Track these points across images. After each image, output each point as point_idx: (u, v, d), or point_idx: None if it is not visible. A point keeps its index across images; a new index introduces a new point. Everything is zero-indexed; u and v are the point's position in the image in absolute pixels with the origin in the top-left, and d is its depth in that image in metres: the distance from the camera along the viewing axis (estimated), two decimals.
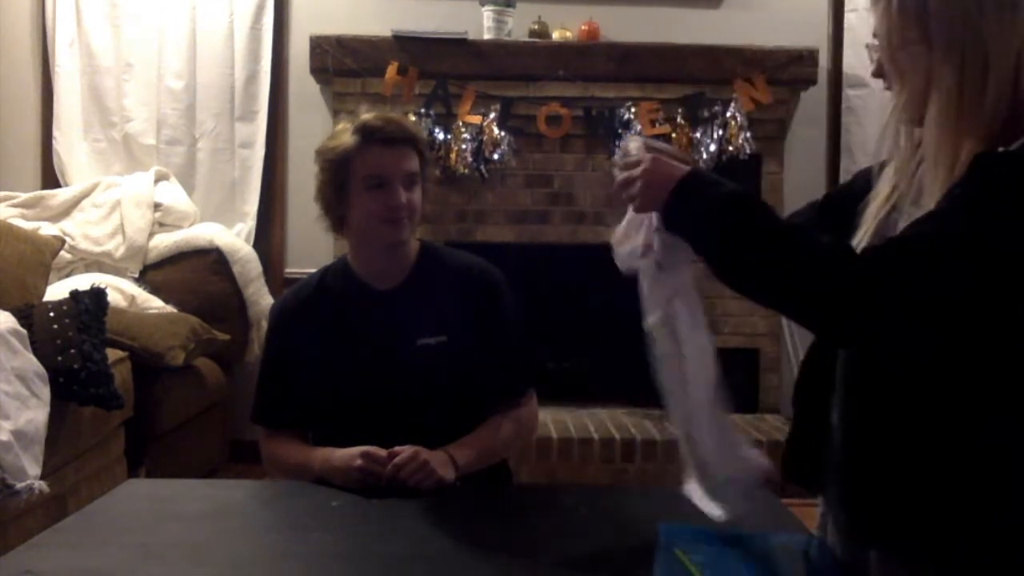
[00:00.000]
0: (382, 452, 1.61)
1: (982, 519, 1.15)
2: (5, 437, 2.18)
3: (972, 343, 1.14)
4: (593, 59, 3.81)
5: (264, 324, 3.78)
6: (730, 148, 3.73)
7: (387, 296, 1.82)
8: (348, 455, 1.62)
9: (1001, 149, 1.13)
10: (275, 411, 1.84)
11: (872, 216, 1.28)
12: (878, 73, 1.28)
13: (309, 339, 1.81)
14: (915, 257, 1.11)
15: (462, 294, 1.83)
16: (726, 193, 1.22)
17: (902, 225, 1.19)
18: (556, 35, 3.89)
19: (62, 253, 3.36)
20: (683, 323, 1.33)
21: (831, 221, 1.35)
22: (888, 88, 1.28)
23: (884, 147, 1.31)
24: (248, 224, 3.91)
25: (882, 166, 1.33)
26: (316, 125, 3.93)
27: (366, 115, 1.79)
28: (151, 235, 3.71)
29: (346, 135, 1.76)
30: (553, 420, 3.68)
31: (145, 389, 3.01)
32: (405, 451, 1.61)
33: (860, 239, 1.28)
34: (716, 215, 1.21)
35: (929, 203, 1.16)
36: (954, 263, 1.10)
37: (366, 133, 1.75)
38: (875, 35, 1.27)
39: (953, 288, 1.10)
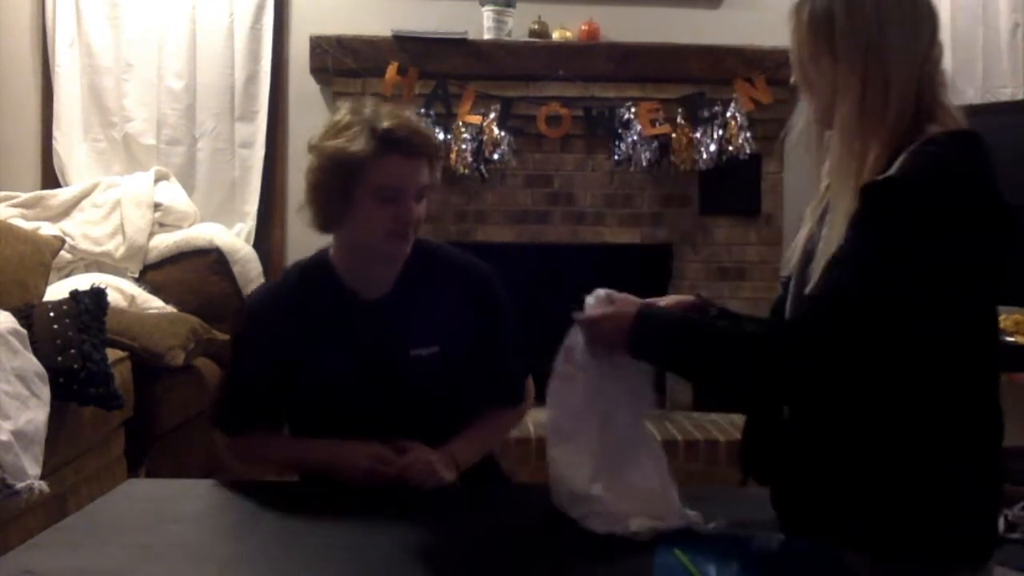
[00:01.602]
0: (390, 453, 1.60)
1: (909, 506, 1.25)
2: (5, 437, 2.18)
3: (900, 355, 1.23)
4: (593, 59, 3.81)
5: None
6: (730, 148, 3.73)
7: (376, 305, 1.71)
8: (356, 453, 1.60)
9: (880, 177, 1.23)
10: (243, 419, 1.75)
11: (802, 239, 1.41)
12: (797, 81, 1.39)
13: (288, 346, 1.68)
14: (829, 317, 1.22)
15: (454, 299, 1.73)
16: (667, 330, 1.35)
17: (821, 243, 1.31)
18: (556, 35, 3.89)
19: (62, 253, 3.36)
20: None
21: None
22: (800, 98, 1.41)
23: (797, 152, 1.44)
24: (248, 224, 3.91)
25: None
26: (316, 125, 3.88)
27: (382, 114, 1.62)
28: (151, 235, 3.71)
29: (360, 138, 1.59)
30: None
31: (145, 389, 3.01)
32: (412, 452, 1.59)
33: (790, 260, 1.42)
34: (661, 350, 1.35)
35: (839, 206, 1.28)
36: (866, 308, 1.20)
37: (387, 141, 1.59)
38: (790, 49, 1.39)
39: (873, 329, 1.20)
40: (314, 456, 1.68)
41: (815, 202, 1.42)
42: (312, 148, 1.66)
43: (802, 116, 1.42)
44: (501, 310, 1.79)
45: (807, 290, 1.30)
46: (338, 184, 1.61)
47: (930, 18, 1.33)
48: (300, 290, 1.74)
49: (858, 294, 1.20)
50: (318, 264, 1.75)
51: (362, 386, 1.68)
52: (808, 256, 1.36)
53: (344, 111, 1.67)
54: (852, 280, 1.21)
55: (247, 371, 1.74)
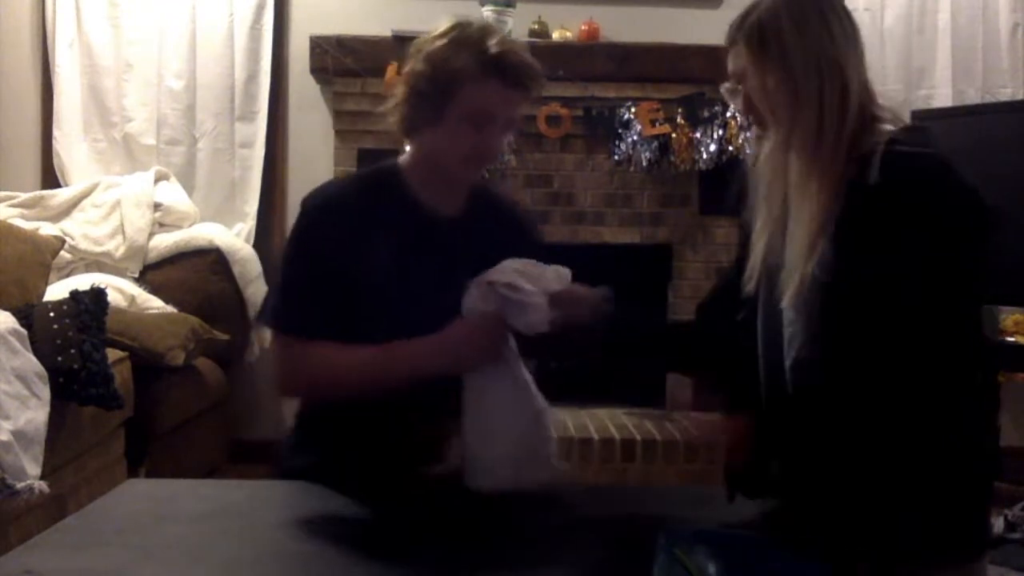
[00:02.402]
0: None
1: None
2: (5, 437, 2.18)
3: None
4: (593, 59, 3.81)
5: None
6: (730, 148, 3.73)
7: (447, 224, 1.65)
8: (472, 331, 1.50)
9: (871, 183, 1.24)
10: (309, 317, 1.57)
11: (759, 257, 1.42)
12: (747, 111, 1.41)
13: (351, 248, 1.57)
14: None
15: (512, 232, 1.72)
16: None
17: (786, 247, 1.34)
18: (556, 35, 3.89)
19: (62, 253, 3.36)
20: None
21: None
22: (756, 125, 1.42)
23: (764, 178, 1.44)
24: (248, 224, 3.91)
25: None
26: (316, 125, 3.93)
27: (494, 38, 1.56)
28: (151, 235, 3.71)
29: (466, 55, 1.54)
30: (553, 420, 3.67)
31: (145, 389, 3.01)
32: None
33: (750, 273, 1.43)
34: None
35: (801, 217, 1.31)
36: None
37: (491, 66, 1.53)
38: (732, 75, 1.40)
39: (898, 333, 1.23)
40: (402, 354, 1.52)
41: (760, 226, 1.43)
42: (417, 52, 1.61)
43: (767, 143, 1.41)
44: (543, 248, 1.74)
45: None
46: (433, 95, 1.56)
47: (856, 26, 1.38)
48: (367, 195, 1.65)
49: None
50: (387, 172, 1.68)
51: (421, 302, 1.56)
52: (771, 270, 1.38)
53: (457, 24, 1.61)
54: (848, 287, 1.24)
55: (311, 264, 1.60)
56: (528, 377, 1.53)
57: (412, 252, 1.60)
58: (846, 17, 1.36)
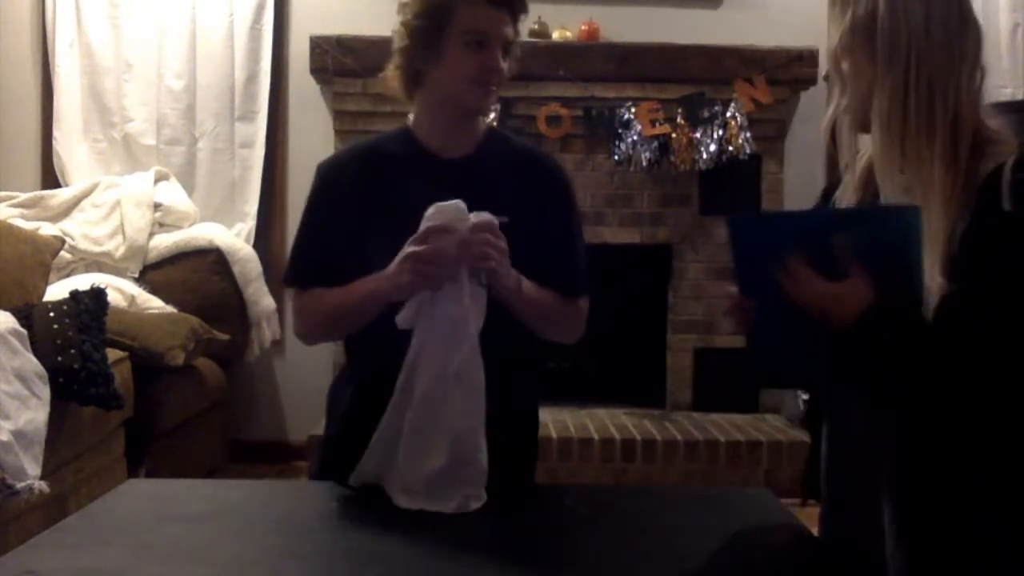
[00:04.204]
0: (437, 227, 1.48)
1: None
2: (5, 437, 2.18)
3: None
4: (593, 59, 3.81)
5: (264, 324, 3.80)
6: (730, 148, 3.73)
7: (455, 165, 1.70)
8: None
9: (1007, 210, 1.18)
10: (311, 270, 1.71)
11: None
12: (827, 76, 1.34)
13: (360, 200, 1.68)
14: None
15: (529, 178, 1.73)
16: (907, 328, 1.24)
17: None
18: (556, 35, 3.89)
19: (62, 253, 3.36)
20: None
21: None
22: (830, 91, 1.36)
23: (825, 142, 1.41)
24: (248, 224, 3.92)
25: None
26: (316, 125, 3.94)
27: None
28: (151, 235, 3.71)
29: None
30: (553, 420, 3.68)
31: (145, 389, 3.01)
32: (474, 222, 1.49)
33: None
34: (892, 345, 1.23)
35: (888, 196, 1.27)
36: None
37: None
38: (828, 38, 1.34)
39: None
40: (354, 290, 1.61)
41: (849, 186, 1.38)
42: (403, 5, 1.72)
43: (832, 106, 1.36)
44: (569, 203, 1.80)
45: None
46: (429, 30, 1.65)
47: (976, 36, 1.29)
48: (378, 150, 1.76)
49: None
50: (396, 131, 1.79)
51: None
52: None
53: None
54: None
55: (318, 222, 1.73)
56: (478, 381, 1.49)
57: (420, 193, 1.61)
58: (959, 20, 1.27)
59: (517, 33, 1.70)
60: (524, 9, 1.69)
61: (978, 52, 1.29)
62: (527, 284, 1.61)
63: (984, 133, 1.27)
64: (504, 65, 1.67)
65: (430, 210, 1.47)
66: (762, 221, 1.72)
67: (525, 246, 1.60)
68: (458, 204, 1.47)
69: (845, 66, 1.32)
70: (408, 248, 1.48)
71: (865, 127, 1.31)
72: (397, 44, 1.72)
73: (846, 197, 1.39)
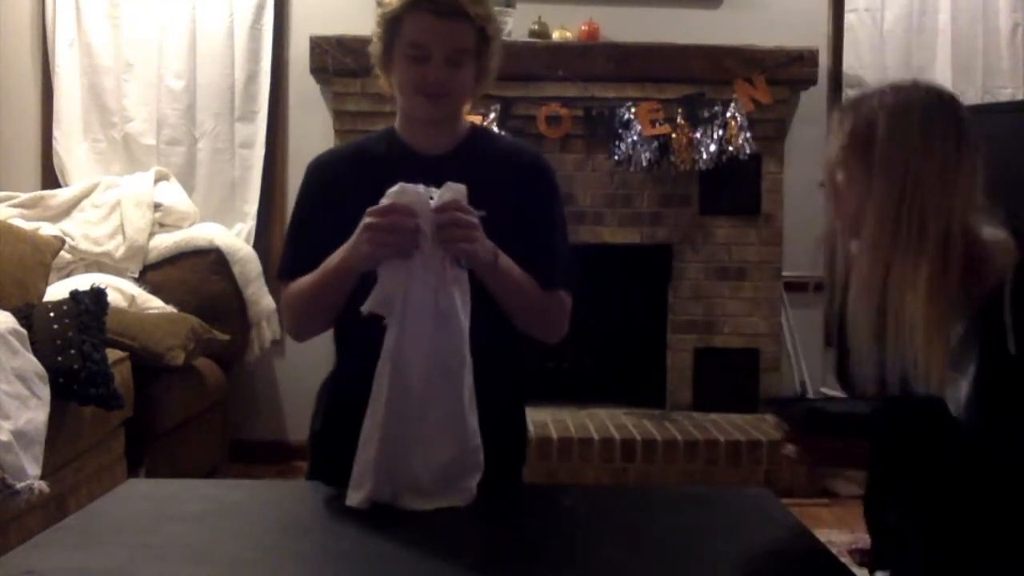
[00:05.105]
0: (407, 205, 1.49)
1: None
2: (5, 437, 2.18)
3: None
4: (593, 59, 3.81)
5: (264, 324, 3.81)
6: (730, 148, 3.72)
7: (432, 162, 1.72)
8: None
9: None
10: (298, 266, 1.73)
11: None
12: (822, 183, 1.36)
13: (345, 196, 1.66)
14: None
15: (511, 172, 1.75)
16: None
17: None
18: (556, 35, 3.89)
19: (62, 253, 3.36)
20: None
21: None
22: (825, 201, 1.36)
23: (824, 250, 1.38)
24: (248, 224, 3.92)
25: None
26: (316, 125, 3.94)
27: None
28: (151, 235, 3.71)
29: None
30: (553, 420, 3.68)
31: (145, 389, 3.01)
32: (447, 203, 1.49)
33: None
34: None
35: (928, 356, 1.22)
36: None
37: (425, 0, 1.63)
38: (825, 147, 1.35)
39: None
40: (326, 267, 1.63)
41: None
42: (377, 6, 1.74)
43: (829, 216, 1.37)
44: (552, 195, 1.79)
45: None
46: (384, 42, 1.69)
47: (972, 164, 1.27)
48: (362, 148, 1.81)
49: None
50: (383, 132, 1.83)
51: None
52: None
53: None
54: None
55: (306, 219, 1.78)
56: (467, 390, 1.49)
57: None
58: (956, 136, 1.26)
59: (490, 36, 1.68)
60: (485, 20, 1.67)
61: (973, 178, 1.27)
62: (504, 259, 1.60)
63: (977, 252, 1.25)
64: (457, 74, 1.65)
65: (393, 187, 1.46)
66: None
67: (507, 240, 1.60)
68: (419, 188, 1.46)
69: (840, 176, 1.31)
70: (366, 219, 1.49)
71: (856, 236, 1.30)
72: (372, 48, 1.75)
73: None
